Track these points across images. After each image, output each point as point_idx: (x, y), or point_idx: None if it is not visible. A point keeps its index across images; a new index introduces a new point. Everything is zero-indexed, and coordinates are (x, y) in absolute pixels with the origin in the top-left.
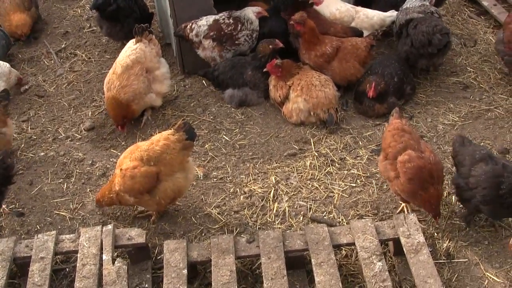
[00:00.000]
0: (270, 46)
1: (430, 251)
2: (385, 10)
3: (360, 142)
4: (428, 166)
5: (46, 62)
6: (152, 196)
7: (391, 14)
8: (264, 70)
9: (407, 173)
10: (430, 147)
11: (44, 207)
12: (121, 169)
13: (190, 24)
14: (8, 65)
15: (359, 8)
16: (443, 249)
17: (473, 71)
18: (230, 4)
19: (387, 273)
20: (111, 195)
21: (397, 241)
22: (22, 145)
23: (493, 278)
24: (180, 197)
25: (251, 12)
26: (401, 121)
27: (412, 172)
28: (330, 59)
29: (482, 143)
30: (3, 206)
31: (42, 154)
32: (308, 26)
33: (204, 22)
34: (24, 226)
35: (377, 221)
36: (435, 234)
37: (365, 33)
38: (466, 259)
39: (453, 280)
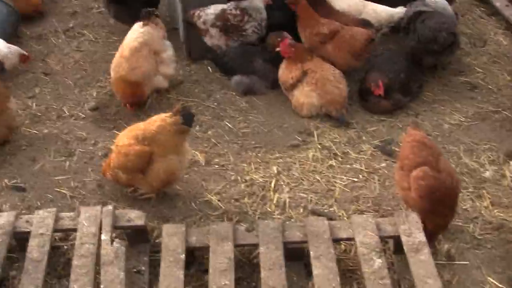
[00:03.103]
0: (279, 39)
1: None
2: (395, 5)
3: (364, 137)
4: (442, 189)
5: (53, 41)
6: (145, 176)
7: (400, 10)
8: (277, 49)
9: (418, 190)
10: (451, 168)
11: (45, 184)
12: (117, 146)
13: (198, 12)
14: (4, 49)
15: (367, 2)
16: (444, 250)
17: (481, 72)
18: None
19: (386, 270)
20: (109, 170)
21: (397, 239)
22: (26, 121)
23: (495, 283)
24: (175, 181)
25: (260, 1)
26: (421, 132)
27: (423, 190)
28: (326, 41)
29: (488, 145)
30: (5, 180)
31: (45, 131)
32: (301, 4)
33: (212, 10)
34: (24, 201)
35: (378, 217)
36: None
37: None
38: (467, 262)
39: (453, 282)
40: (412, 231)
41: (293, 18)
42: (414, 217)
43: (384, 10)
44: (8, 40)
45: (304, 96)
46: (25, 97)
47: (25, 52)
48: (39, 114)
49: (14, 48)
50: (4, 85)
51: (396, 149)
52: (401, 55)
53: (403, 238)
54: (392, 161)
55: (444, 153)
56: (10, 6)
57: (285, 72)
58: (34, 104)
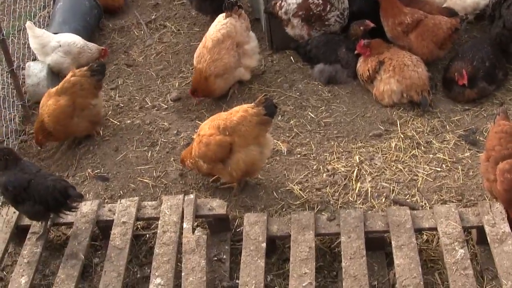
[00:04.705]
0: (361, 28)
1: None
2: None
3: (447, 126)
4: None
5: (136, 33)
6: (225, 165)
7: None
8: (356, 52)
9: (504, 183)
10: None
11: (128, 174)
12: (199, 135)
13: (280, 2)
14: (80, 44)
15: None
16: None
17: None
18: None
19: (469, 261)
20: (191, 159)
21: (481, 229)
22: (110, 112)
23: None
24: (255, 172)
25: None
26: (510, 123)
27: (509, 184)
28: (408, 31)
29: None
30: (89, 170)
31: (128, 121)
32: None
33: (294, 0)
34: (108, 191)
35: (461, 207)
36: None
37: None
38: None
39: None
40: (496, 221)
41: (376, 5)
42: (499, 207)
43: None
44: (91, 32)
45: (384, 84)
46: (108, 89)
47: (103, 48)
48: (122, 105)
49: (92, 44)
50: (93, 83)
51: (481, 138)
52: (485, 42)
53: (487, 229)
54: (477, 151)
55: None
56: (92, 0)
57: (362, 65)
58: (117, 95)
